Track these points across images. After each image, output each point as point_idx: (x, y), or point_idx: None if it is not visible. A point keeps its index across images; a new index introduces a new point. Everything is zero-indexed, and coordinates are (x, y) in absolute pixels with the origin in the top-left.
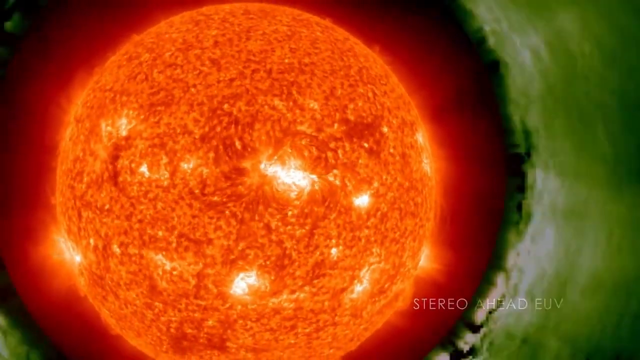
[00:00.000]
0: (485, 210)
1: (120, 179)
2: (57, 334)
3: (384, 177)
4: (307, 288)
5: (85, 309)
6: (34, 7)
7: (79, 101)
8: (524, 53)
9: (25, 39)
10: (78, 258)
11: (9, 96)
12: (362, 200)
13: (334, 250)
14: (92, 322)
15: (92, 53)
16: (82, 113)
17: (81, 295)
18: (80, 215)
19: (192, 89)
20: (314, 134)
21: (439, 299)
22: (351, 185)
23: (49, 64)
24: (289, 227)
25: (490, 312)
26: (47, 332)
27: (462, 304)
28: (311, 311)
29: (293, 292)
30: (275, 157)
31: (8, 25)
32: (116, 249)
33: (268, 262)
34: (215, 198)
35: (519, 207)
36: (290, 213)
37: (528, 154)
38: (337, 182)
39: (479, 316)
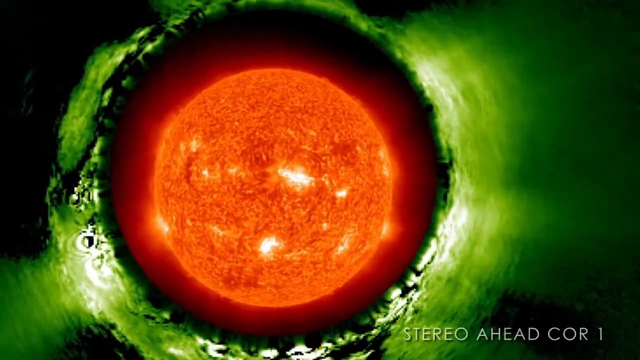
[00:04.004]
0: (424, 199)
1: (191, 178)
2: (155, 277)
3: (357, 178)
4: (308, 248)
5: (172, 260)
6: (140, 71)
7: (168, 130)
8: (447, 100)
9: (134, 91)
10: (166, 228)
11: (125, 129)
12: (342, 193)
13: (324, 224)
14: (176, 269)
15: (177, 100)
16: (169, 137)
17: (169, 251)
18: (167, 202)
19: (236, 122)
20: (312, 151)
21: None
22: (335, 184)
23: (149, 107)
24: (296, 210)
25: (428, 263)
26: (148, 275)
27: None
28: (311, 262)
29: (299, 250)
30: (287, 166)
31: (124, 82)
32: (189, 222)
33: (282, 232)
34: (249, 191)
35: (445, 197)
36: (296, 201)
37: (450, 164)
38: (327, 182)
39: (420, 265)
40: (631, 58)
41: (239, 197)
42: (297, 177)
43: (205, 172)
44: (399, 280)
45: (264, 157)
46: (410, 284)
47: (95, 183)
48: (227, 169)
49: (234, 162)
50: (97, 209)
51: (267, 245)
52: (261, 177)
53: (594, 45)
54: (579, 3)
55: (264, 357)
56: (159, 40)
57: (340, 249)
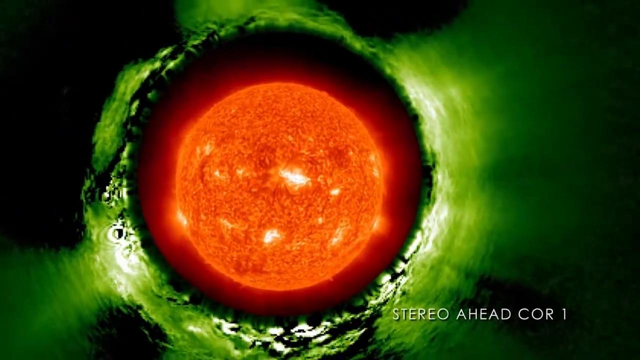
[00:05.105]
0: (410, 197)
1: (205, 178)
2: (176, 264)
3: (348, 179)
4: (305, 239)
5: (190, 250)
6: (163, 85)
7: (187, 136)
8: (431, 110)
9: (158, 103)
10: (185, 222)
11: (150, 135)
12: (335, 192)
13: (320, 219)
14: (194, 257)
15: (195, 110)
16: (188, 142)
17: (188, 242)
18: (185, 199)
19: (244, 130)
20: (309, 155)
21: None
22: (329, 183)
23: (171, 116)
24: (295, 206)
25: (414, 252)
26: (170, 263)
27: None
28: (309, 252)
29: (298, 241)
30: (287, 168)
31: (149, 95)
32: (203, 216)
33: (283, 225)
34: (254, 190)
35: (429, 195)
36: (295, 198)
37: (434, 166)
38: (322, 182)
39: (407, 254)
40: (596, 71)
41: (246, 195)
42: (296, 178)
43: (216, 173)
44: (389, 267)
45: (267, 160)
46: (398, 270)
47: (124, 183)
48: (235, 170)
49: (241, 164)
50: (125, 205)
51: (270, 237)
52: (264, 178)
53: (559, 61)
54: (548, 26)
55: (272, 334)
56: (179, 58)
57: (335, 240)
